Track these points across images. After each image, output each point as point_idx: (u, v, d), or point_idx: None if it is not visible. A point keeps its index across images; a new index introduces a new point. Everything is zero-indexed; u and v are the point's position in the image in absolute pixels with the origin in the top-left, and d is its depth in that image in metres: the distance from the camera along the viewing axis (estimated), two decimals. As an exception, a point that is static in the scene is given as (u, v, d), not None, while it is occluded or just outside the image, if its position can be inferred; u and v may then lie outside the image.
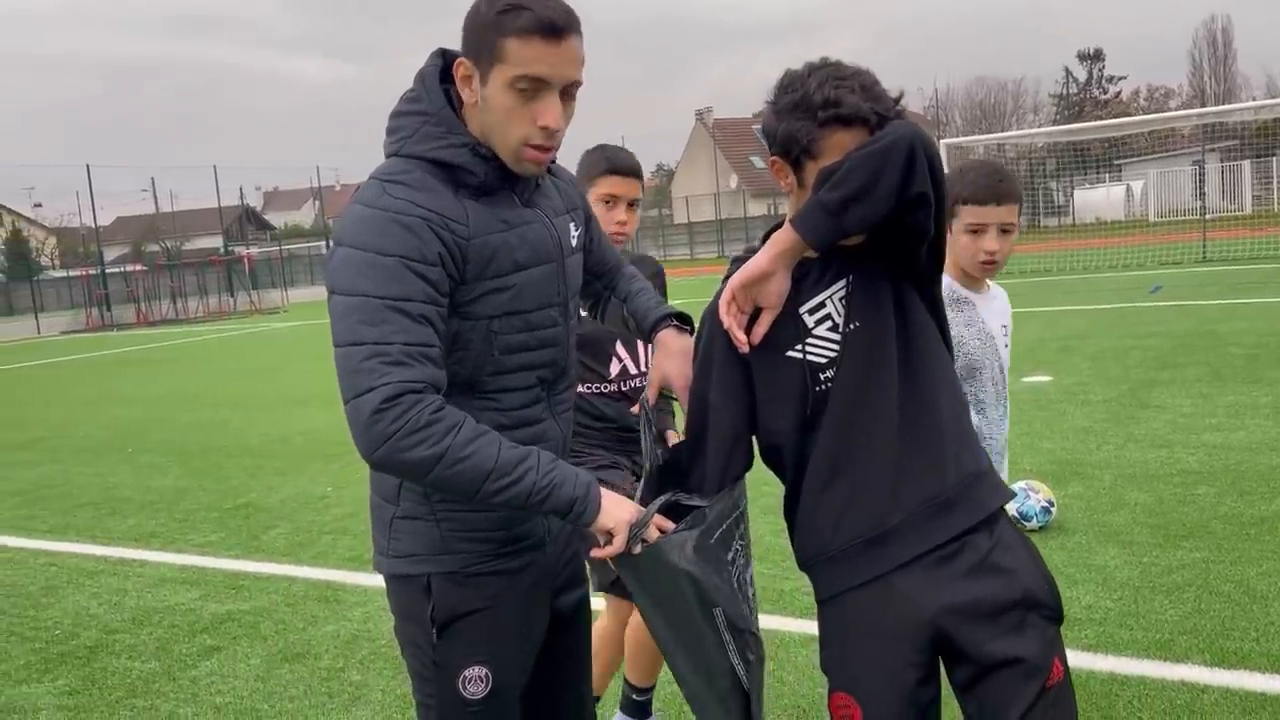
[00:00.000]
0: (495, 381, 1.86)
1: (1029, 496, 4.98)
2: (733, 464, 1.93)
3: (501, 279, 1.82)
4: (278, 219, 75.02)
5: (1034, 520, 4.93)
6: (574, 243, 2.01)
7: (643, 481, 1.93)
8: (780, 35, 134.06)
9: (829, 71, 1.78)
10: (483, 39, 1.73)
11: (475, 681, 1.89)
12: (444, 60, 1.86)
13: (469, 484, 1.71)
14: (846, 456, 1.83)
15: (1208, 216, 25.87)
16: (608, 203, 2.85)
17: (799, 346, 1.85)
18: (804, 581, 4.00)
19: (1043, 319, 13.40)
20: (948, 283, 2.52)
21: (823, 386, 1.84)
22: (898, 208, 1.69)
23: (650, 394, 2.06)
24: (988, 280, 2.69)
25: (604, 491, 1.81)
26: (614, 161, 2.86)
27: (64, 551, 6.23)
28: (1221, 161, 36.55)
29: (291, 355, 18.79)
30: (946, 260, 2.44)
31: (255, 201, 76.05)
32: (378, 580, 5.05)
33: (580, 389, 2.87)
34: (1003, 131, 44.76)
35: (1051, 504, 4.98)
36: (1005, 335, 2.70)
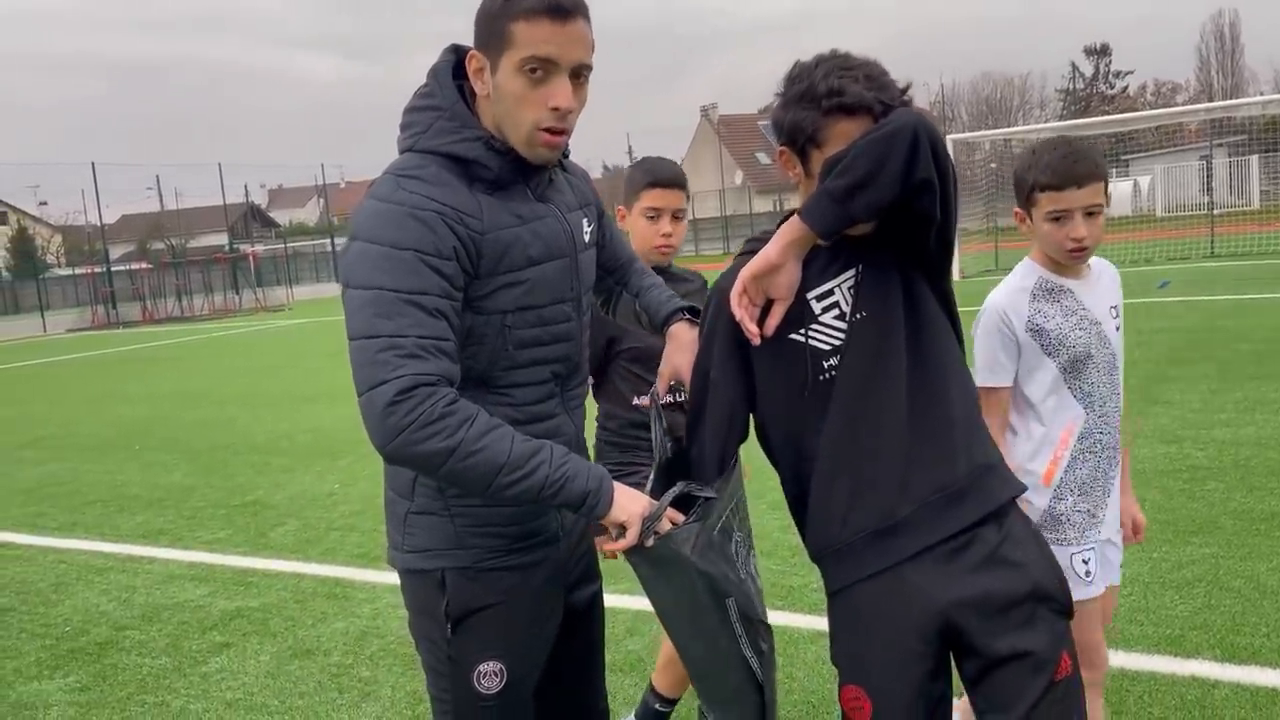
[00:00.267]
0: (508, 376, 1.86)
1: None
2: (730, 438, 1.95)
3: (515, 274, 1.82)
4: (282, 216, 75.11)
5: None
6: (587, 238, 2.01)
7: (653, 474, 1.93)
8: (786, 30, 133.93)
9: (835, 62, 1.79)
10: (492, 27, 1.75)
11: (490, 676, 1.90)
12: (456, 56, 1.86)
13: (482, 477, 1.71)
14: (854, 448, 1.83)
15: (1215, 212, 25.77)
16: (651, 216, 2.83)
17: (801, 330, 1.85)
18: (812, 577, 4.00)
19: (1049, 315, 13.34)
20: (1040, 274, 2.44)
21: (826, 375, 1.84)
22: (903, 194, 1.70)
23: (660, 386, 2.07)
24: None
25: (616, 485, 1.81)
26: (655, 174, 2.85)
27: (73, 549, 6.25)
28: (1229, 157, 36.41)
29: (297, 353, 18.82)
30: (1035, 250, 2.42)
31: (260, 199, 76.25)
32: (386, 577, 5.14)
33: (636, 401, 2.87)
34: (1009, 127, 44.63)
35: (1060, 500, 4.97)
36: (1116, 316, 2.50)
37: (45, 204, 63.93)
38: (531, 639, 1.97)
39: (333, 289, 43.35)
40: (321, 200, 61.82)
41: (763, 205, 52.44)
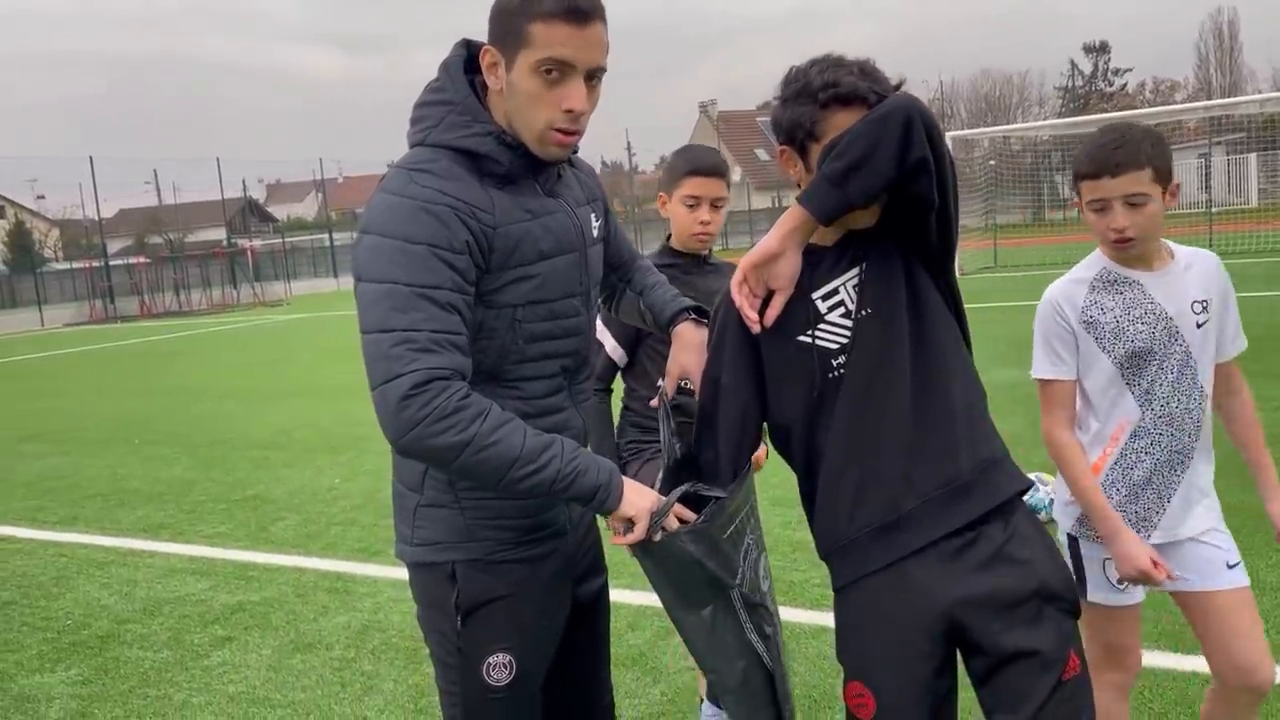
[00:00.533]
0: (518, 370, 1.87)
1: (1037, 489, 4.98)
2: (742, 444, 1.95)
3: (526, 268, 1.83)
4: (280, 211, 75.03)
5: (1043, 512, 4.92)
6: (595, 233, 2.02)
7: (661, 473, 1.94)
8: (784, 27, 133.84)
9: (829, 60, 1.84)
10: (509, 24, 1.74)
11: (499, 668, 1.91)
12: (467, 50, 1.87)
13: (494, 470, 1.72)
14: (860, 443, 1.84)
15: (1213, 210, 25.80)
16: (690, 204, 2.86)
17: (810, 332, 1.86)
18: (814, 573, 4.01)
19: (1048, 312, 13.36)
20: (1105, 265, 2.35)
21: (835, 373, 1.85)
22: (899, 174, 1.72)
23: (669, 386, 2.07)
24: (1171, 249, 2.35)
25: (625, 480, 1.82)
26: (695, 162, 2.87)
27: (73, 542, 6.25)
28: (1227, 155, 36.45)
29: (295, 348, 18.81)
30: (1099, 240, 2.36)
31: (258, 194, 76.07)
32: (388, 571, 5.15)
33: (652, 403, 2.90)
34: (1008, 124, 44.65)
35: (1061, 496, 4.99)
36: (1201, 312, 2.31)
37: (43, 198, 63.78)
38: (541, 631, 1.98)
39: (330, 284, 43.38)
40: (320, 195, 61.72)
41: (761, 202, 52.43)
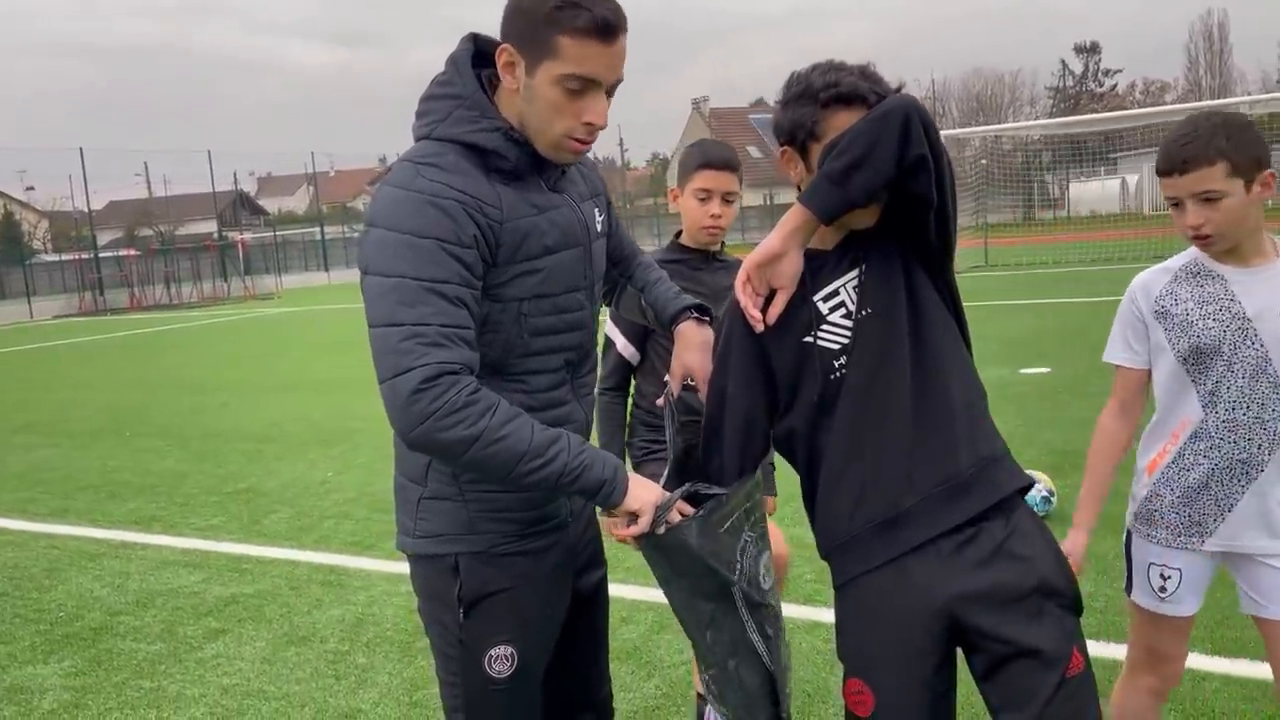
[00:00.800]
0: (523, 364, 1.89)
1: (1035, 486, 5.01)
2: (748, 452, 1.96)
3: (531, 262, 1.84)
4: (271, 204, 74.79)
5: (1035, 510, 4.96)
6: (599, 227, 2.03)
7: (666, 472, 1.95)
8: (778, 25, 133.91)
9: (829, 63, 1.87)
10: (535, 32, 1.74)
11: (501, 660, 1.92)
12: (475, 45, 1.88)
13: (503, 465, 1.73)
14: (861, 442, 1.85)
15: (1202, 211, 25.87)
16: (702, 197, 2.89)
17: (812, 334, 1.88)
18: (806, 568, 4.02)
19: (1040, 311, 13.46)
20: (1196, 256, 2.26)
21: (836, 374, 1.87)
22: (898, 173, 1.74)
23: (674, 385, 2.08)
24: (1275, 246, 2.23)
25: (631, 475, 1.84)
26: (708, 155, 2.90)
27: (65, 534, 6.24)
28: (1217, 155, 36.54)
29: (286, 341, 18.78)
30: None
31: (249, 187, 75.81)
32: (381, 565, 5.16)
33: (658, 402, 2.92)
34: (1000, 123, 44.75)
35: (1052, 494, 5.02)
36: None
37: (32, 189, 63.31)
38: (542, 623, 1.99)
39: (321, 278, 43.27)
40: (311, 189, 61.48)
41: (753, 199, 52.46)
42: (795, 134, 1.87)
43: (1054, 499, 5.02)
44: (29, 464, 8.45)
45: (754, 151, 56.15)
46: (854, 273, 1.88)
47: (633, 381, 3.07)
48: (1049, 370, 9.11)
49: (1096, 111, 47.94)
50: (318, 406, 10.34)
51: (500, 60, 1.80)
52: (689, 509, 1.85)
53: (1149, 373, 2.34)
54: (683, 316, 2.14)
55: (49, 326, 28.52)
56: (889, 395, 1.84)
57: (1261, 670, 3.37)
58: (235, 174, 61.98)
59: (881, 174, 1.74)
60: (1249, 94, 51.53)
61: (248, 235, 45.80)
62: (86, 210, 39.00)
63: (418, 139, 1.86)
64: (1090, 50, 67.58)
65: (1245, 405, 2.20)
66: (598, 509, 1.99)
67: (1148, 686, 2.46)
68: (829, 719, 3.31)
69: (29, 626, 4.68)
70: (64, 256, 39.94)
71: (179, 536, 6.02)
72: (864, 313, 1.86)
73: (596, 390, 2.95)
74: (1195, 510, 2.27)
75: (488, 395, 1.73)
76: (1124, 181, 39.45)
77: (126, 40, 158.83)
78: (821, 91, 1.82)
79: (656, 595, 4.62)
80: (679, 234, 3.02)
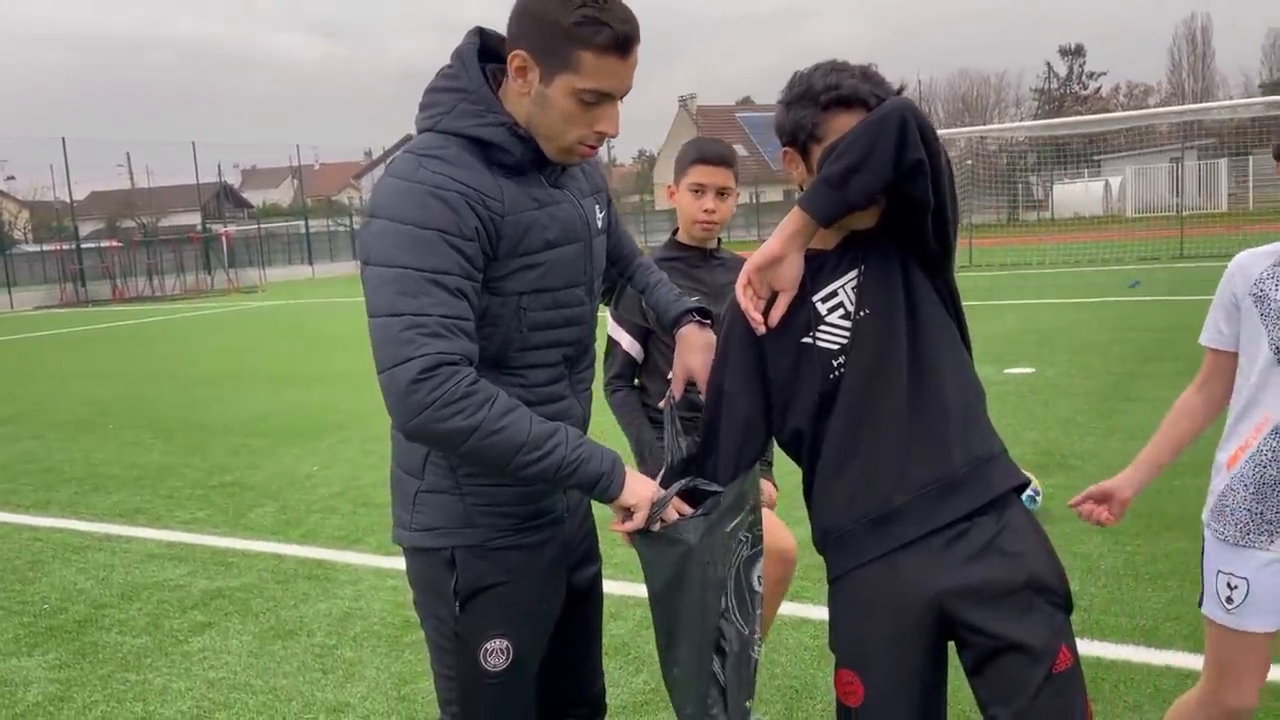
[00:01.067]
0: (522, 358, 1.89)
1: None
2: (745, 451, 1.97)
3: (532, 256, 1.84)
4: (255, 197, 74.35)
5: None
6: (599, 224, 2.04)
7: (663, 472, 1.95)
8: (765, 24, 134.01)
9: (830, 65, 1.88)
10: (554, 43, 1.74)
11: (496, 654, 1.92)
12: (480, 39, 1.88)
13: (501, 456, 1.74)
14: (857, 440, 1.87)
15: (1184, 213, 26.12)
16: (696, 191, 2.91)
17: (810, 334, 1.89)
18: (797, 565, 4.05)
19: (1023, 311, 13.53)
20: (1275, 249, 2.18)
21: (835, 374, 1.88)
22: (896, 176, 1.75)
23: (675, 389, 2.09)
24: None
25: (628, 470, 1.84)
26: (701, 151, 2.94)
27: (47, 526, 6.20)
28: (1199, 159, 36.89)
29: (271, 335, 18.70)
30: None
31: (233, 179, 75.33)
32: (368, 559, 5.15)
33: (660, 405, 2.92)
34: (985, 124, 44.96)
35: (1038, 492, 5.06)
36: None
37: (13, 178, 62.87)
38: (537, 617, 2.00)
39: (305, 271, 43.06)
40: (296, 182, 61.19)
41: (740, 197, 52.43)
42: (796, 135, 1.89)
43: (1039, 498, 5.06)
44: (11, 455, 8.39)
45: (740, 150, 56.12)
46: (853, 273, 1.90)
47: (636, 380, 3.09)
48: (1032, 370, 9.17)
49: (1080, 114, 48.24)
50: (303, 400, 10.30)
51: (512, 65, 1.80)
52: (686, 508, 1.86)
53: (1234, 356, 2.25)
54: (685, 319, 2.15)
55: (30, 317, 28.29)
56: (885, 394, 1.86)
57: (1244, 668, 3.40)
58: (219, 166, 61.36)
59: (879, 177, 1.75)
60: (1231, 98, 51.95)
61: (232, 228, 45.51)
62: (68, 200, 38.70)
63: (421, 131, 1.86)
64: (1075, 53, 67.95)
65: None
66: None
67: (1220, 710, 2.30)
68: (817, 714, 3.32)
69: (12, 619, 4.65)
70: (45, 247, 39.57)
71: (164, 529, 5.99)
72: (862, 313, 1.88)
73: (606, 388, 2.97)
74: (1270, 508, 2.17)
75: (486, 386, 1.73)
76: (1107, 184, 39.69)
77: (109, 29, 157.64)
78: (822, 94, 1.83)
79: (645, 591, 4.65)
80: (675, 231, 3.03)
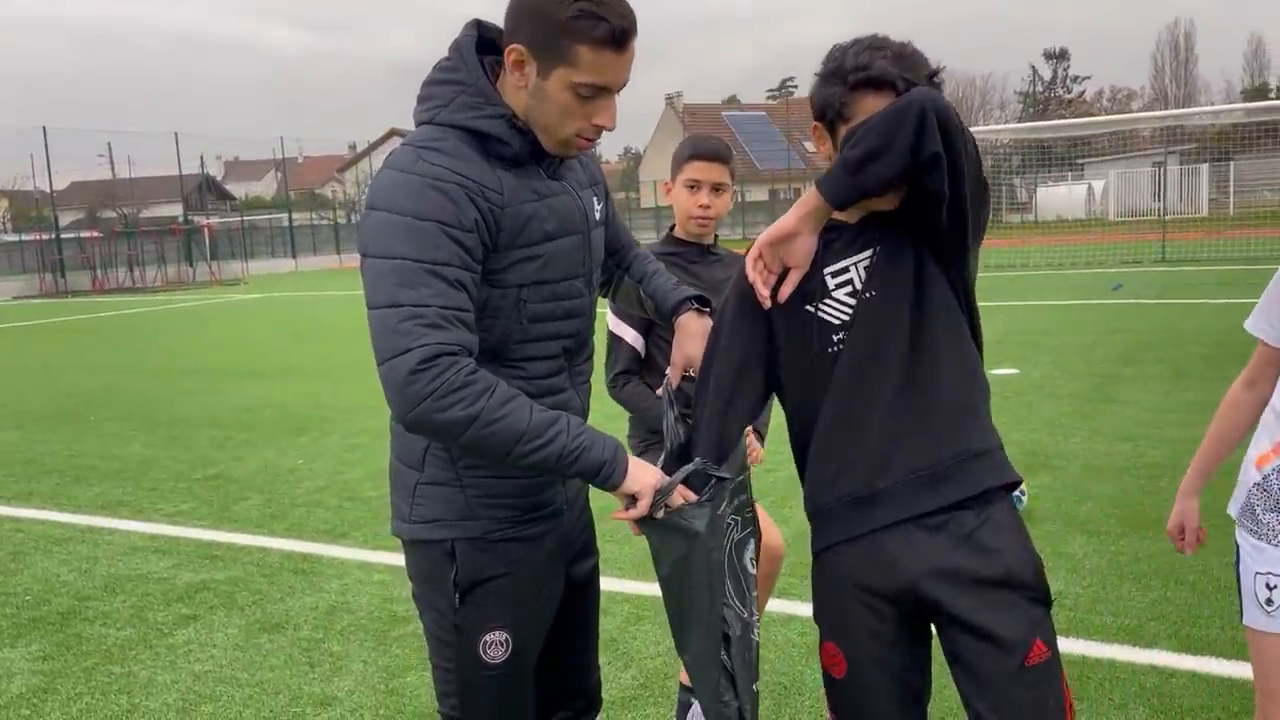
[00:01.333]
0: (521, 350, 1.89)
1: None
2: (732, 403, 1.97)
3: (532, 248, 1.85)
4: (238, 189, 73.89)
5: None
6: (598, 215, 2.05)
7: (663, 459, 1.96)
8: (750, 23, 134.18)
9: (866, 42, 1.86)
10: (551, 38, 1.74)
11: (495, 646, 1.92)
12: (478, 32, 1.88)
13: (501, 445, 1.73)
14: (850, 417, 1.89)
15: (1166, 218, 26.30)
16: (691, 187, 2.93)
17: (814, 304, 1.91)
18: (784, 562, 4.07)
19: (1007, 313, 13.60)
20: None
21: (832, 348, 1.89)
22: (913, 167, 1.74)
23: (673, 376, 2.10)
24: None
25: (630, 457, 1.85)
26: (697, 147, 2.96)
27: (29, 518, 6.15)
28: (1181, 164, 37.17)
29: (253, 328, 18.59)
30: None
31: (216, 171, 74.80)
32: (355, 553, 5.14)
33: (658, 393, 2.92)
34: (970, 126, 45.10)
35: (1023, 492, 5.10)
36: None
37: (-9, 167, 62.23)
38: (536, 610, 2.00)
39: (288, 264, 42.83)
40: (279, 174, 60.80)
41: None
42: (825, 112, 1.89)
43: (1025, 498, 5.10)
44: (-9, 446, 8.31)
45: (726, 148, 56.12)
46: (867, 253, 1.90)
47: None
48: (1016, 371, 9.22)
49: (1065, 117, 48.52)
50: (286, 393, 10.25)
51: (509, 58, 1.80)
52: (691, 495, 1.86)
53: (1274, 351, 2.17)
54: (683, 307, 2.15)
55: (8, 308, 28.02)
56: (881, 377, 1.87)
57: (1227, 667, 3.45)
58: (202, 157, 60.89)
59: (894, 167, 1.75)
60: (1213, 103, 52.40)
61: (214, 220, 45.21)
62: (49, 190, 38.34)
63: (419, 123, 1.86)
64: (1060, 56, 68.40)
65: None
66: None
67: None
68: (804, 711, 3.34)
69: (-6, 610, 4.61)
70: (24, 237, 39.18)
71: (147, 522, 5.95)
72: (869, 294, 1.88)
73: (614, 384, 2.96)
74: None
75: (486, 376, 1.73)
76: (1090, 187, 39.93)
77: (93, 18, 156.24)
78: (851, 74, 1.82)
79: (633, 586, 4.67)
80: (673, 227, 3.04)
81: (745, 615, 1.92)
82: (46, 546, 5.54)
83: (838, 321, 1.89)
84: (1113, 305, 13.90)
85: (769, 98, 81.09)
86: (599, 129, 1.84)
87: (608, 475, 1.81)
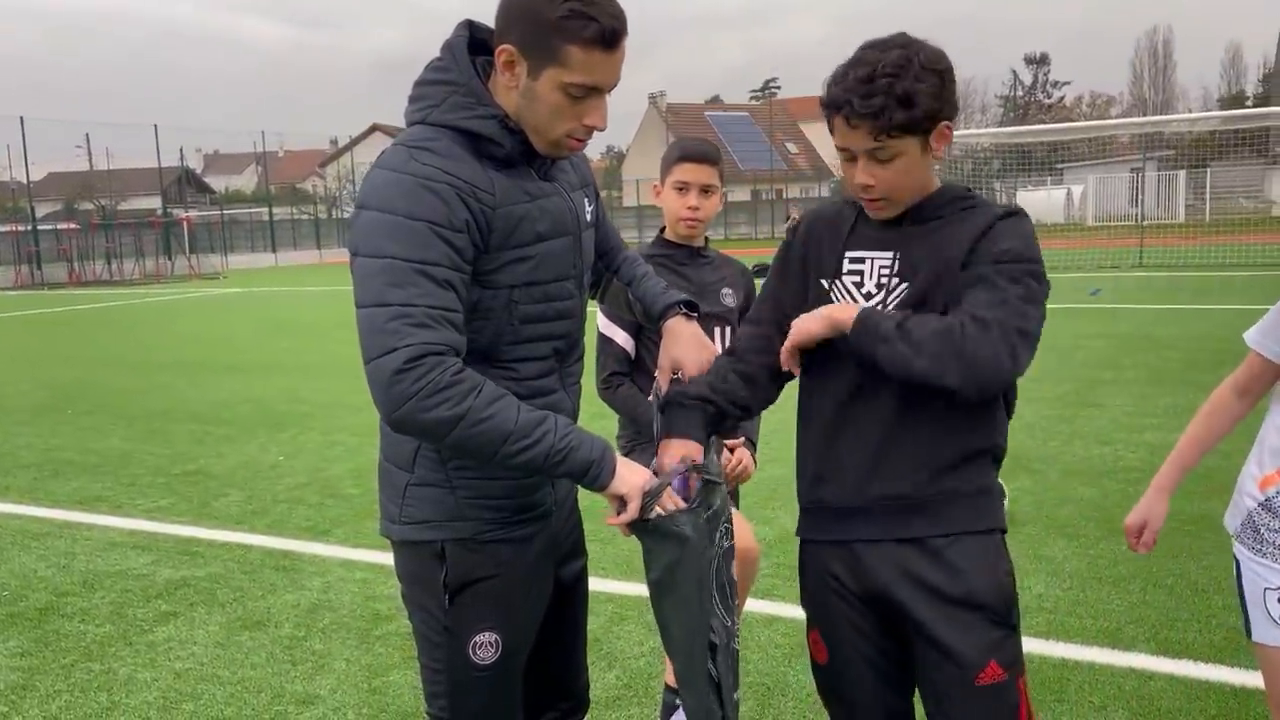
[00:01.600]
0: (512, 351, 1.89)
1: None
2: (739, 360, 2.04)
3: (523, 249, 1.85)
4: (218, 183, 73.28)
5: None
6: (589, 217, 2.05)
7: (654, 463, 1.96)
8: (735, 22, 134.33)
9: (859, 55, 1.82)
10: (541, 38, 1.74)
11: (485, 647, 1.92)
12: (470, 32, 1.87)
13: (488, 445, 1.73)
14: (842, 428, 1.92)
15: (1144, 223, 26.53)
16: (680, 189, 2.94)
17: (829, 281, 1.94)
18: (762, 562, 4.08)
19: (987, 316, 13.65)
20: None
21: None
22: (907, 380, 1.79)
23: (661, 380, 2.10)
24: None
25: (619, 457, 1.85)
26: (685, 149, 2.97)
27: (5, 513, 6.08)
28: (1158, 170, 37.51)
29: (233, 322, 18.46)
30: None
31: (195, 164, 74.16)
32: (336, 551, 5.12)
33: (650, 397, 2.93)
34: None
35: (1005, 496, 5.13)
36: None
37: (-33, 157, 61.36)
38: (525, 611, 2.00)
39: (268, 259, 42.55)
40: (260, 168, 60.38)
41: (708, 195, 52.43)
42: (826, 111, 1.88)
43: (1006, 501, 5.12)
44: (-34, 440, 8.22)
45: (709, 148, 56.18)
46: (889, 254, 1.89)
47: None
48: (997, 374, 9.27)
49: (1044, 122, 48.84)
50: (267, 389, 10.19)
51: (500, 59, 1.80)
52: (680, 501, 1.87)
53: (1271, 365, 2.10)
54: (671, 311, 2.15)
55: (-17, 299, 27.71)
56: (873, 401, 1.88)
57: (1205, 671, 3.49)
58: (181, 150, 60.34)
59: (902, 376, 1.78)
60: (1190, 110, 52.89)
61: (194, 213, 44.85)
62: (25, 181, 37.92)
63: (410, 124, 1.86)
64: (1040, 61, 68.86)
65: None
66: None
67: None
68: (788, 712, 3.35)
69: (-29, 606, 4.56)
70: (0, 228, 38.74)
71: (126, 517, 5.90)
72: (872, 297, 1.89)
73: (605, 386, 2.97)
74: None
75: (473, 376, 1.73)
76: (1069, 192, 40.20)
77: (72, 6, 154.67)
78: (824, 92, 1.83)
79: (616, 587, 4.67)
80: (663, 230, 3.05)
81: (729, 623, 1.93)
82: (23, 541, 5.49)
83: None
84: (1091, 309, 14.00)
85: (752, 98, 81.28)
86: (590, 129, 1.85)
87: (595, 475, 1.81)
